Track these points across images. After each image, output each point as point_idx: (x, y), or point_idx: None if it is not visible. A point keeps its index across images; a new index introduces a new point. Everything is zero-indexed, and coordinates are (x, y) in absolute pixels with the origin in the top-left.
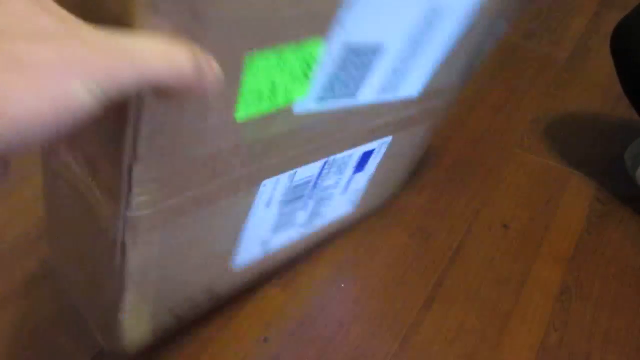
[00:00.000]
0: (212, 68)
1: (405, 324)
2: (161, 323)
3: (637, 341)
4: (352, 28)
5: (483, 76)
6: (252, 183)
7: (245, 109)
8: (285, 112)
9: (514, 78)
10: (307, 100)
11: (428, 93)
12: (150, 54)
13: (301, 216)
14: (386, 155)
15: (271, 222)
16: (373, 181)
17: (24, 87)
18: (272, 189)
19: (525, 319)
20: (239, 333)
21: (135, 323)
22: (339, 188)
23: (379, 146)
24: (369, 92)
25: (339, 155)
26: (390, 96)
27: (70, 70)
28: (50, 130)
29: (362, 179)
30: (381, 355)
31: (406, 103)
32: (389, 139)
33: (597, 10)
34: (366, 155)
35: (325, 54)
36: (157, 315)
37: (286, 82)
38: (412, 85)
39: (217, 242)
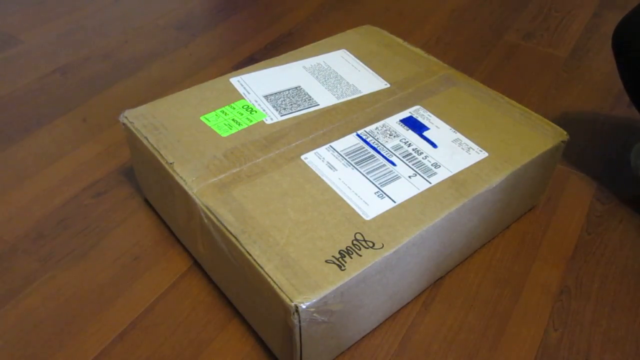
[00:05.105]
0: None
1: (405, 324)
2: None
3: (637, 341)
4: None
5: (483, 76)
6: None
7: (225, 132)
8: (258, 125)
9: (514, 78)
10: (270, 118)
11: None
12: None
13: (400, 170)
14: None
15: (363, 179)
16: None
17: None
18: (319, 159)
19: (525, 319)
20: None
21: None
22: (420, 145)
23: (415, 111)
24: (328, 100)
25: (371, 127)
26: (355, 96)
27: None
28: None
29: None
30: (381, 355)
31: (382, 92)
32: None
33: (597, 10)
34: (409, 121)
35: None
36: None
37: (239, 117)
38: (373, 83)
39: None
